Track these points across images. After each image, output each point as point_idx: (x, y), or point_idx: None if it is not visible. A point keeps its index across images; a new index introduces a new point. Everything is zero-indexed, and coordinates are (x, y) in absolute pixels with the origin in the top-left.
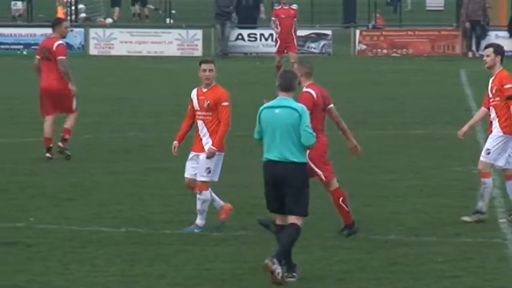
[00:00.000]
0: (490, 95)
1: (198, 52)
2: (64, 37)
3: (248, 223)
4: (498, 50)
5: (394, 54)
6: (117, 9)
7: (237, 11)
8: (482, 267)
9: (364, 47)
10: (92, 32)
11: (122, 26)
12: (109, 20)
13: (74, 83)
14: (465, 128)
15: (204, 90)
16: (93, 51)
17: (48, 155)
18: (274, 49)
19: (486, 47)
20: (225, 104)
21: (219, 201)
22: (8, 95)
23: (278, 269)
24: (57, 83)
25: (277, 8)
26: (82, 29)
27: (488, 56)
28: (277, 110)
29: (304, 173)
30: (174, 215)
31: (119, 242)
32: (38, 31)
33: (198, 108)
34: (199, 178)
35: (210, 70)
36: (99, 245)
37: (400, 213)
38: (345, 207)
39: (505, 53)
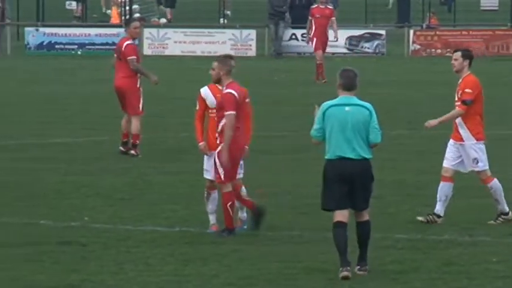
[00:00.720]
0: (456, 98)
1: (252, 52)
2: (134, 38)
3: (301, 223)
4: (466, 54)
5: (448, 54)
6: (171, 9)
7: (290, 10)
8: None
9: (418, 46)
10: (146, 32)
11: (175, 26)
12: (163, 20)
13: (151, 74)
14: (435, 121)
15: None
16: (147, 51)
17: (121, 148)
18: (327, 49)
19: (455, 51)
20: (248, 100)
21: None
22: (62, 95)
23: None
24: (124, 82)
25: (314, 7)
26: None
27: (456, 59)
28: (347, 108)
29: (372, 169)
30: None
31: (172, 241)
32: (92, 31)
33: (218, 107)
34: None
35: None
36: (153, 245)
37: (454, 213)
38: (230, 212)
39: None
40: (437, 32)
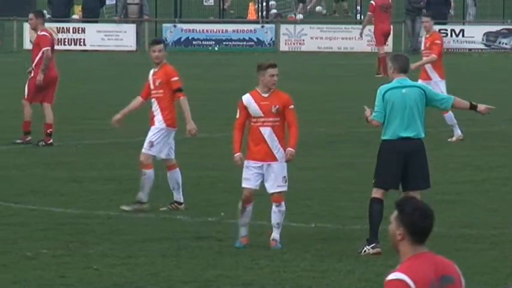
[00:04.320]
0: (152, 87)
1: (388, 48)
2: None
3: (436, 220)
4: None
5: None
6: (301, 5)
7: (427, 6)
8: None
9: None
10: (283, 28)
11: (312, 22)
12: (299, 16)
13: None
14: (119, 115)
15: (265, 95)
16: (283, 47)
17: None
18: (464, 45)
19: (157, 43)
20: (292, 106)
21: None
22: (199, 90)
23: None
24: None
25: None
26: (273, 25)
27: (160, 51)
28: (404, 90)
29: (425, 148)
30: (363, 210)
31: (308, 237)
32: (230, 27)
33: (262, 115)
34: (277, 189)
35: (277, 75)
36: (289, 240)
37: None
38: None
39: None
40: None
